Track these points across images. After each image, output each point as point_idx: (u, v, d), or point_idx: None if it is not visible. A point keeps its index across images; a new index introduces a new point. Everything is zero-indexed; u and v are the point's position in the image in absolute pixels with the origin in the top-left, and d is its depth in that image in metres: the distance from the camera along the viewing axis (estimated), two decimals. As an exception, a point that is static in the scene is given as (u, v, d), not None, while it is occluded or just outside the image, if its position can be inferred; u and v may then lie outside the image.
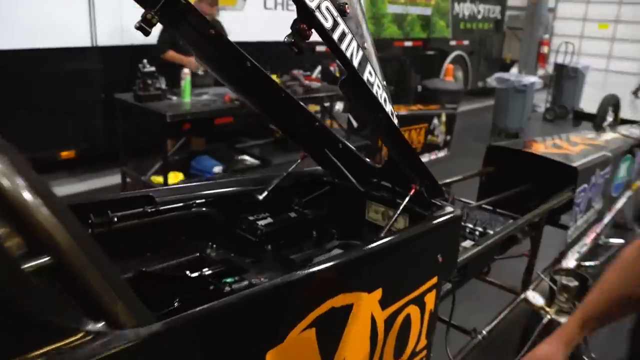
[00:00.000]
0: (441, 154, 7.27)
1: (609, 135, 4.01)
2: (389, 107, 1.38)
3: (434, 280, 1.69)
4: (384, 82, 1.36)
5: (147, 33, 1.30)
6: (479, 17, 11.27)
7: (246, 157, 5.54)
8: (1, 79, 4.59)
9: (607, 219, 3.78)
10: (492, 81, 8.64)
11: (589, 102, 9.73)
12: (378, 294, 1.42)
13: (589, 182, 3.12)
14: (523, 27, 11.38)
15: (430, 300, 1.70)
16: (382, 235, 1.51)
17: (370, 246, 1.38)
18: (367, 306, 1.39)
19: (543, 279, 2.41)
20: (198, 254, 1.68)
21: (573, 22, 16.85)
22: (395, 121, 1.43)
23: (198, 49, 1.56)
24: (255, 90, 1.67)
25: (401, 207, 1.63)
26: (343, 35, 1.16)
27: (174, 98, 4.56)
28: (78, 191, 5.12)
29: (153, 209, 1.59)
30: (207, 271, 1.61)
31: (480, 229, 2.40)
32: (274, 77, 5.10)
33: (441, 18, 10.14)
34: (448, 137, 7.33)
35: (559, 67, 10.20)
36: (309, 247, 1.80)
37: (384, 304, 1.45)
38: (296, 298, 1.20)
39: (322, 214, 1.98)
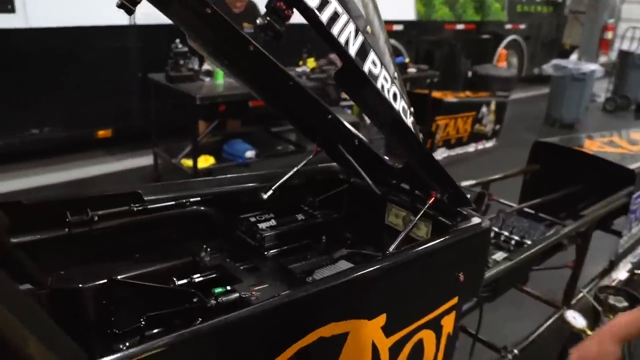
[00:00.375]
0: (489, 144, 6.91)
1: (675, 133, 3.61)
2: (400, 104, 1.16)
3: (454, 301, 1.48)
4: (395, 74, 1.14)
5: (130, 11, 1.13)
6: (538, -1, 10.64)
7: (282, 142, 5.38)
8: (41, 57, 4.60)
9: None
10: (548, 68, 8.13)
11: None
12: (381, 320, 1.22)
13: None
14: (586, 10, 10.65)
15: (448, 323, 1.49)
16: (391, 250, 1.31)
17: (371, 267, 1.18)
18: (366, 334, 1.20)
19: (588, 298, 2.14)
20: (191, 258, 1.53)
21: (643, 5, 15.69)
22: (410, 121, 1.22)
23: (192, 31, 1.38)
24: (259, 77, 1.49)
25: (417, 218, 1.42)
26: (335, 17, 0.95)
27: (207, 79, 4.43)
28: (114, 171, 5.12)
29: (140, 208, 1.45)
30: (197, 278, 1.45)
31: (516, 238, 2.15)
32: (309, 60, 4.92)
33: (496, 0, 9.60)
34: (497, 127, 6.95)
35: (624, 55, 9.53)
36: (314, 255, 1.62)
37: (389, 330, 1.26)
38: (276, 327, 1.03)
39: (335, 216, 1.79)
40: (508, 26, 9.96)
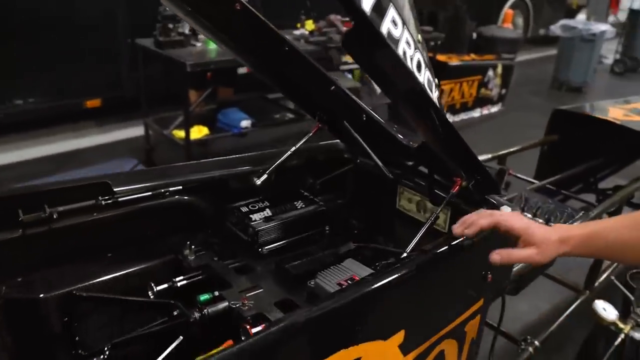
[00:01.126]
0: (494, 109, 6.66)
1: (700, 98, 3.36)
2: (424, 75, 0.93)
3: (479, 303, 1.28)
4: (420, 37, 0.90)
5: None
6: (545, -45, 10.17)
7: (279, 110, 5.12)
8: (24, 23, 4.30)
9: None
10: (556, 29, 7.80)
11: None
12: (399, 337, 1.02)
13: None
14: (595, -33, 10.22)
15: (472, 328, 1.29)
16: (408, 251, 1.09)
17: (388, 277, 0.97)
18: (382, 357, 0.99)
19: (616, 284, 1.94)
20: (173, 256, 1.32)
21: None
22: (435, 96, 0.98)
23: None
24: (249, 42, 1.25)
25: (440, 209, 1.20)
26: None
27: (199, 44, 4.14)
28: (104, 142, 4.89)
29: (110, 201, 1.22)
30: (180, 281, 1.24)
31: (540, 221, 1.92)
32: (308, 22, 4.61)
33: (502, -43, 9.17)
34: (503, 91, 6.69)
35: (634, 13, 9.14)
36: (317, 250, 1.40)
37: (407, 348, 1.06)
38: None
39: (340, 201, 1.57)
40: (513, -15, 9.54)
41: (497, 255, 1.03)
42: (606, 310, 1.84)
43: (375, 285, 0.93)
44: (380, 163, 1.41)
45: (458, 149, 1.12)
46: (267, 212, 1.41)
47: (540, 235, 1.03)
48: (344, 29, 4.47)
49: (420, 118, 1.06)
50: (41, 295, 1.12)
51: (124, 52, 4.93)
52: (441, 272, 1.12)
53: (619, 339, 1.76)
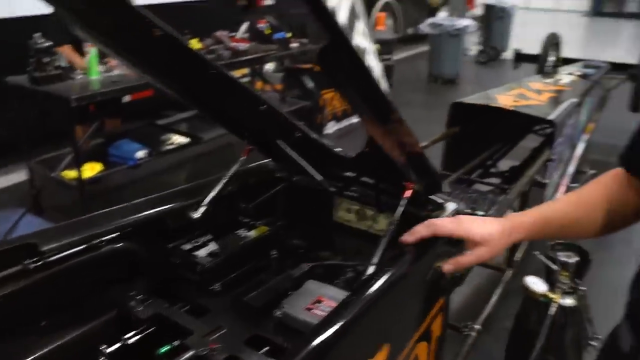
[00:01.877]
0: (381, 109, 6.88)
1: (566, 78, 3.73)
2: (384, 84, 0.92)
3: (441, 302, 1.29)
4: (374, 46, 0.89)
5: None
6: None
7: (172, 135, 4.91)
8: None
9: (571, 167, 3.55)
10: (425, 27, 8.31)
11: (515, 42, 9.61)
12: (384, 353, 0.99)
13: (562, 134, 2.82)
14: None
15: (437, 327, 1.30)
16: (374, 266, 1.07)
17: (369, 296, 0.94)
18: (371, 376, 0.96)
19: (540, 257, 2.07)
20: (116, 311, 1.20)
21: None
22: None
23: (78, 16, 1.03)
24: (170, 68, 1.17)
25: (397, 217, 1.19)
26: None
27: (79, 76, 3.86)
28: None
29: (39, 263, 1.08)
30: (131, 337, 1.13)
31: (468, 211, 2.00)
32: (193, 42, 4.47)
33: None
34: (388, 91, 6.94)
35: (489, 8, 10.00)
36: (269, 276, 1.34)
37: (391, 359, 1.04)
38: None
39: (280, 223, 1.52)
40: (377, -10, 9.97)
41: (449, 266, 1.10)
42: (536, 285, 1.96)
43: (363, 303, 0.90)
44: (320, 178, 1.38)
45: (414, 153, 1.12)
46: (212, 246, 1.33)
47: (484, 234, 1.05)
48: (232, 44, 4.40)
49: (382, 125, 1.04)
50: None
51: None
52: (410, 279, 1.11)
53: (553, 309, 1.88)
